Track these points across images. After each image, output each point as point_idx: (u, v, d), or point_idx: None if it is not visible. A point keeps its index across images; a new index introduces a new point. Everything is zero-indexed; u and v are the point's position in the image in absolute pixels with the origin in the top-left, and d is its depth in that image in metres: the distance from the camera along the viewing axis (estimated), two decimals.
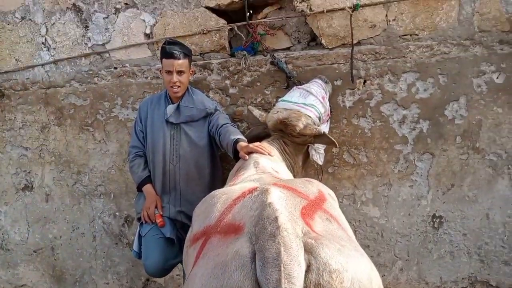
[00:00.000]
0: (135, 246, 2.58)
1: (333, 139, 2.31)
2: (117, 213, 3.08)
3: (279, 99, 2.52)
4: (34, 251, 3.24)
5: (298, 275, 0.96)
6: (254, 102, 2.79)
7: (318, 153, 2.55)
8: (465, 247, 2.77)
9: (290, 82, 2.72)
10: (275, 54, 2.69)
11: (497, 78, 2.57)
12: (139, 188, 2.58)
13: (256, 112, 2.56)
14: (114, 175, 3.04)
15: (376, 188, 2.78)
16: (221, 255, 1.09)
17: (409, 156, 2.72)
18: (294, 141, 2.38)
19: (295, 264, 0.96)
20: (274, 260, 0.96)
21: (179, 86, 2.42)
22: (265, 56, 2.71)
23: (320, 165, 2.64)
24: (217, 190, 1.52)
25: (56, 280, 3.25)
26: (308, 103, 2.35)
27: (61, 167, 3.10)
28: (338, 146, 2.42)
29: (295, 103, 2.38)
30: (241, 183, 1.59)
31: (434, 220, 2.77)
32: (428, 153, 2.70)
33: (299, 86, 2.51)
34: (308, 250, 1.03)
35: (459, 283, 2.80)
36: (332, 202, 1.42)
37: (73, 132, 3.04)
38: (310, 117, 2.32)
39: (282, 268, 0.94)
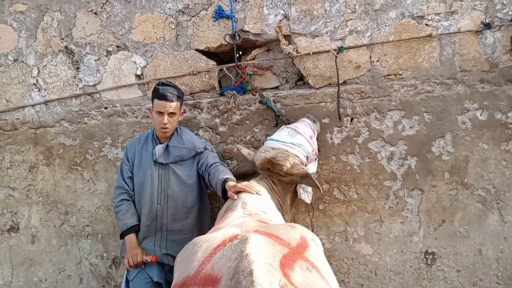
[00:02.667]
0: None
1: (317, 183, 2.30)
2: (104, 254, 3.00)
3: (268, 138, 2.53)
4: None
5: None
6: (244, 140, 2.81)
7: (306, 192, 2.54)
8: (460, 284, 2.73)
9: (278, 120, 2.75)
10: (263, 93, 2.73)
11: (481, 115, 2.64)
12: (122, 236, 2.50)
13: (245, 151, 2.55)
14: (102, 215, 2.98)
15: (367, 224, 2.77)
16: None
17: (399, 192, 2.73)
18: (281, 180, 2.38)
19: None
20: None
21: (168, 128, 2.42)
22: (254, 95, 2.75)
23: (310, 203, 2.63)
24: (199, 237, 1.49)
25: None
26: (296, 143, 2.36)
27: (49, 207, 3.03)
28: (321, 191, 2.43)
29: (284, 142, 2.38)
30: (225, 227, 1.57)
31: (427, 256, 2.74)
32: (418, 189, 2.72)
33: (288, 125, 2.53)
34: None
35: None
36: (315, 248, 1.40)
37: (61, 171, 3.00)
38: (297, 156, 2.33)
39: None
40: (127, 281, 2.47)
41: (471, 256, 2.71)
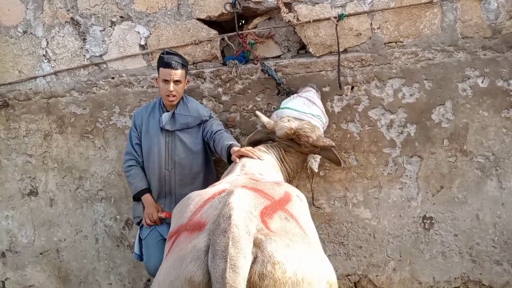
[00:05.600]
0: (136, 249, 2.70)
1: (339, 156, 2.38)
2: (117, 217, 3.20)
3: (281, 106, 2.52)
4: (41, 253, 3.38)
5: (243, 266, 1.06)
6: (246, 108, 2.88)
7: (315, 161, 2.63)
8: (457, 248, 2.82)
9: (280, 88, 2.80)
10: (264, 62, 2.77)
11: (482, 82, 2.63)
12: (135, 198, 2.67)
13: (264, 119, 2.50)
14: (114, 180, 3.15)
15: (366, 190, 2.85)
16: (183, 249, 1.21)
17: (398, 159, 2.78)
18: (301, 150, 2.41)
19: (241, 257, 1.06)
20: (222, 253, 1.06)
21: (174, 96, 2.50)
22: (255, 64, 2.79)
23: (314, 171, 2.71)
24: (193, 192, 1.64)
25: (62, 281, 3.39)
26: (315, 114, 2.39)
27: (64, 173, 3.22)
28: (342, 165, 2.46)
29: (303, 112, 2.38)
30: (218, 184, 1.70)
31: (425, 221, 2.83)
32: (417, 156, 2.76)
33: (300, 95, 2.52)
34: (257, 245, 1.13)
35: (452, 282, 2.86)
36: (297, 202, 1.51)
37: (74, 139, 3.16)
38: (319, 128, 2.39)
39: (228, 260, 1.04)
40: (140, 239, 2.66)
41: (468, 221, 2.78)
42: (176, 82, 2.47)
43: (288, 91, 2.75)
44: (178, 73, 2.45)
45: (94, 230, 3.26)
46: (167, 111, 2.60)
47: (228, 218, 1.14)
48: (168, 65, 2.43)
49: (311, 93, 2.55)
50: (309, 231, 1.42)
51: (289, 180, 2.40)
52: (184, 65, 2.53)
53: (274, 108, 2.80)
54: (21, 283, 3.46)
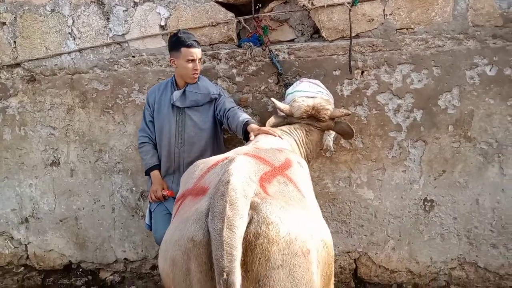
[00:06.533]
0: (147, 220, 2.86)
1: (351, 126, 2.46)
2: (133, 188, 3.38)
3: (290, 92, 2.61)
4: (60, 220, 3.58)
5: (239, 226, 1.13)
6: (258, 90, 3.00)
7: (331, 139, 2.74)
8: (455, 230, 2.93)
9: (280, 78, 2.90)
10: (272, 49, 2.86)
11: (490, 70, 2.69)
12: (147, 173, 2.81)
13: (280, 104, 2.53)
14: (131, 154, 3.32)
15: (371, 172, 2.96)
16: (187, 212, 1.31)
17: (403, 143, 2.88)
18: (320, 126, 2.50)
19: (237, 217, 1.14)
20: (219, 214, 1.14)
21: (198, 72, 2.62)
22: (264, 50, 2.88)
23: (331, 150, 2.80)
24: (200, 160, 1.74)
25: (79, 247, 3.60)
26: (323, 91, 2.54)
27: (85, 146, 3.40)
28: (354, 134, 2.53)
29: (313, 91, 2.51)
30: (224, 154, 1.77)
31: (426, 203, 2.93)
32: (421, 141, 2.86)
33: (302, 80, 2.66)
34: (253, 208, 1.20)
35: (448, 263, 2.97)
36: (298, 168, 1.56)
37: (95, 114, 3.33)
38: (331, 101, 2.52)
39: (226, 220, 1.12)
40: (150, 212, 2.83)
41: (468, 205, 2.88)
42: (199, 60, 2.60)
43: (286, 83, 2.85)
44: (199, 52, 2.59)
45: (111, 200, 3.45)
46: (179, 89, 2.68)
47: (226, 183, 1.20)
48: (191, 46, 2.54)
49: (310, 79, 2.68)
50: (307, 194, 1.47)
51: (308, 161, 2.43)
52: (199, 43, 2.66)
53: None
54: (42, 247, 3.68)
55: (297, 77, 2.89)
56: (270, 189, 1.34)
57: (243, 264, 1.13)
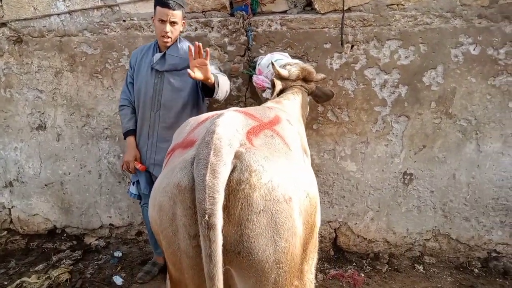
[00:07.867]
0: (131, 188, 2.88)
1: (330, 89, 2.62)
2: (121, 155, 3.39)
3: (271, 61, 2.52)
4: (46, 185, 3.58)
5: (222, 172, 1.16)
6: (249, 59, 3.03)
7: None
8: (431, 203, 3.07)
9: (248, 52, 2.97)
10: (251, 26, 2.92)
11: (474, 50, 2.79)
12: (124, 137, 2.77)
13: (282, 71, 2.45)
14: (119, 119, 3.30)
15: (354, 145, 3.06)
16: (175, 162, 1.36)
17: (387, 117, 2.98)
18: (307, 89, 2.53)
19: (220, 164, 1.17)
20: (203, 161, 1.17)
21: (169, 37, 2.47)
22: (245, 20, 2.91)
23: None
24: (192, 117, 1.78)
25: (64, 212, 3.61)
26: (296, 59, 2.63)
27: (72, 110, 3.38)
28: (333, 95, 2.67)
29: (290, 59, 2.62)
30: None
31: (405, 176, 3.06)
32: (404, 116, 2.96)
33: (272, 53, 2.76)
34: (238, 157, 1.24)
35: (423, 234, 3.13)
36: (286, 125, 1.60)
37: (83, 78, 3.30)
38: None
39: (209, 166, 1.15)
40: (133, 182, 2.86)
41: (445, 179, 3.02)
42: (173, 23, 2.43)
43: (250, 59, 2.97)
44: (175, 14, 2.39)
45: (97, 166, 3.46)
46: (161, 52, 2.57)
47: (212, 132, 1.23)
48: (165, 5, 2.36)
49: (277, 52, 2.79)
50: (294, 148, 1.51)
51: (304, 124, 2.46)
52: (182, 5, 2.45)
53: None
54: (26, 211, 3.68)
55: (265, 53, 2.93)
56: (256, 141, 1.38)
57: (225, 208, 1.17)
